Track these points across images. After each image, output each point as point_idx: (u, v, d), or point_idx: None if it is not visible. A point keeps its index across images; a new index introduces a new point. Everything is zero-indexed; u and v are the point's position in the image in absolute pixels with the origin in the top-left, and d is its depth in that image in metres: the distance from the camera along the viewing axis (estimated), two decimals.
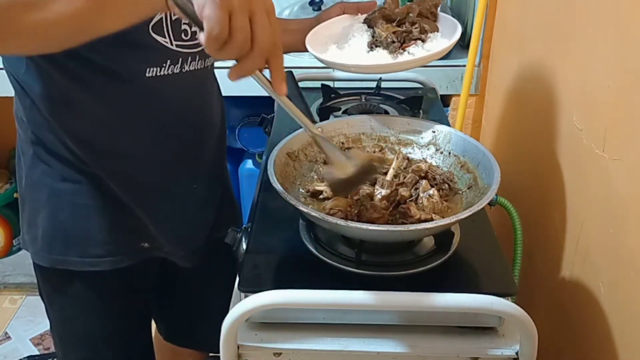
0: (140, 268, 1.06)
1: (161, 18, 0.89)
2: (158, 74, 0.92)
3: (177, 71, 0.94)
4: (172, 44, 0.92)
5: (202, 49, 0.97)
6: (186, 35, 0.93)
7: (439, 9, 1.14)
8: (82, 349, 1.11)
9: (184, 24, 0.92)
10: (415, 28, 1.08)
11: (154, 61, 0.91)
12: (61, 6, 0.66)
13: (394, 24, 1.08)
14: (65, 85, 0.89)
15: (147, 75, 0.91)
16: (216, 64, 1.09)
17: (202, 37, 0.64)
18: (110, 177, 0.97)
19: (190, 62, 0.96)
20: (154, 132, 0.97)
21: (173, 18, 0.90)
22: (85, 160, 0.95)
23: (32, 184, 0.99)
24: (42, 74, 0.88)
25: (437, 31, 1.09)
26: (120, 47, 0.86)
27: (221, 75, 1.14)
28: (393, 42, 1.05)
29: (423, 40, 1.07)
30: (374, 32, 1.09)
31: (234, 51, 0.65)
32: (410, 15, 1.09)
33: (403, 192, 0.91)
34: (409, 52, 1.05)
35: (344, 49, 1.08)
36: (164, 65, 0.92)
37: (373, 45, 1.08)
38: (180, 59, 0.94)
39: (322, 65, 1.08)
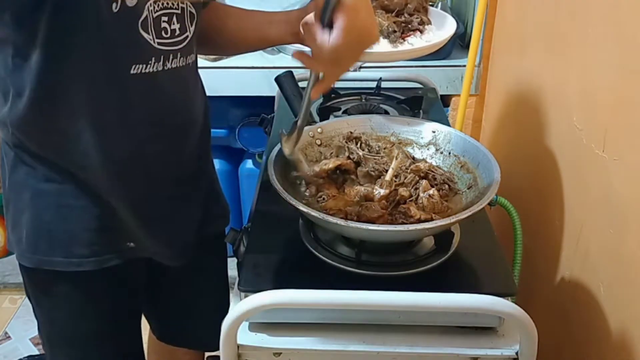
0: (127, 268, 1.06)
1: (147, 15, 0.89)
2: (143, 71, 0.91)
3: (160, 69, 0.94)
4: (154, 42, 0.92)
5: (183, 47, 0.98)
6: (166, 33, 0.93)
7: (439, 5, 1.16)
8: (69, 349, 1.11)
9: (164, 22, 0.92)
10: (416, 18, 1.10)
11: (139, 58, 0.91)
12: None
13: (393, 14, 1.11)
14: (48, 84, 0.88)
15: (131, 72, 0.91)
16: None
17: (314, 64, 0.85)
18: (93, 176, 0.96)
19: (172, 59, 0.96)
20: (137, 130, 0.97)
21: (154, 15, 0.90)
22: (68, 160, 0.95)
23: (16, 185, 0.99)
24: (23, 73, 0.88)
25: (430, 23, 1.13)
26: (108, 44, 0.86)
27: (221, 75, 1.15)
28: (394, 31, 1.07)
29: (421, 32, 1.10)
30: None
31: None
32: (409, 6, 1.12)
33: (403, 192, 0.91)
34: (408, 42, 1.07)
35: None
36: (150, 62, 0.92)
37: None
38: (162, 57, 0.94)
39: None
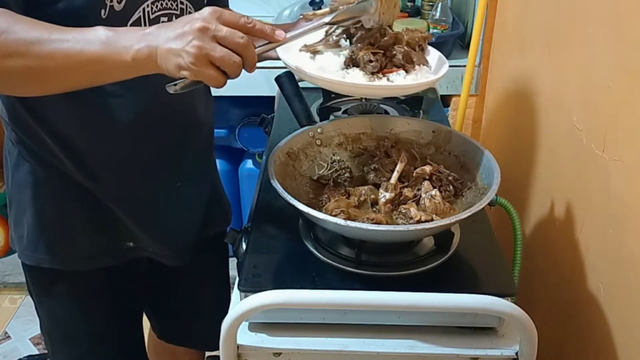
0: (127, 267, 1.06)
1: (140, 16, 0.88)
2: None
3: None
4: None
5: None
6: None
7: (439, 5, 1.09)
8: (70, 347, 1.11)
9: (163, 21, 0.92)
10: (402, 52, 0.94)
11: None
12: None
13: (375, 46, 0.94)
14: None
15: None
16: None
17: (216, 86, 0.75)
18: (91, 177, 0.96)
19: None
20: (135, 131, 0.96)
21: (152, 16, 0.90)
22: (66, 160, 0.95)
23: (18, 183, 1.00)
24: None
25: (426, 64, 0.96)
26: None
27: None
28: (370, 61, 0.91)
29: (407, 71, 0.94)
30: (353, 49, 0.95)
31: (235, 69, 0.73)
32: (397, 47, 0.95)
33: (407, 192, 0.91)
34: (388, 79, 0.92)
35: (317, 59, 0.97)
36: None
37: (350, 64, 0.94)
38: None
39: None
